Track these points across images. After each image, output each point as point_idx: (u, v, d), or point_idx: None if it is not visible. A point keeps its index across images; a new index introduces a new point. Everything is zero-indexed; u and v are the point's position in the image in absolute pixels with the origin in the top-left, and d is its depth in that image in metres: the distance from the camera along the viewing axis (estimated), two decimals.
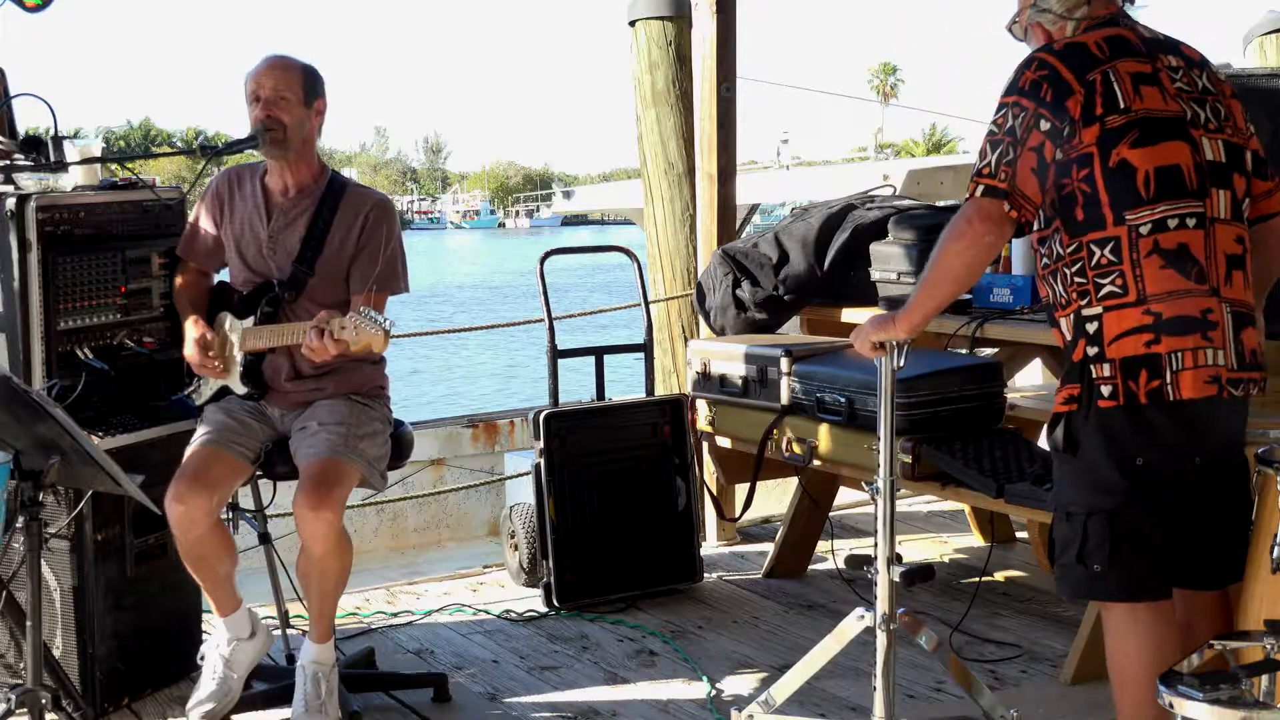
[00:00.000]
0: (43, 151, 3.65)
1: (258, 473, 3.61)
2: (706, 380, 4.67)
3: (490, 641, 4.24)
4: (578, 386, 5.25)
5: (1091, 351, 2.70)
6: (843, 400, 4.08)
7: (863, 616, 3.10)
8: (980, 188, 2.74)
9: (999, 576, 4.73)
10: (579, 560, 4.47)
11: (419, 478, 7.17)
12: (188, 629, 3.88)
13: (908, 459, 3.90)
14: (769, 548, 4.94)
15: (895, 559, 3.03)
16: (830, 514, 4.92)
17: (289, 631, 4.01)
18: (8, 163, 3.61)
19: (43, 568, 3.03)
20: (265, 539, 3.95)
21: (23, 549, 3.03)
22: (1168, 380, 2.63)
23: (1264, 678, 2.30)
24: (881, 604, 3.03)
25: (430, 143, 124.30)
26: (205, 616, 3.95)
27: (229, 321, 3.56)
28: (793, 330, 5.09)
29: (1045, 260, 2.81)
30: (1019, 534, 5.11)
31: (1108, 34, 2.79)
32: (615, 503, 4.54)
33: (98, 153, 3.73)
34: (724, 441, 4.77)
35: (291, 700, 3.60)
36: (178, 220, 3.82)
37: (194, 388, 3.64)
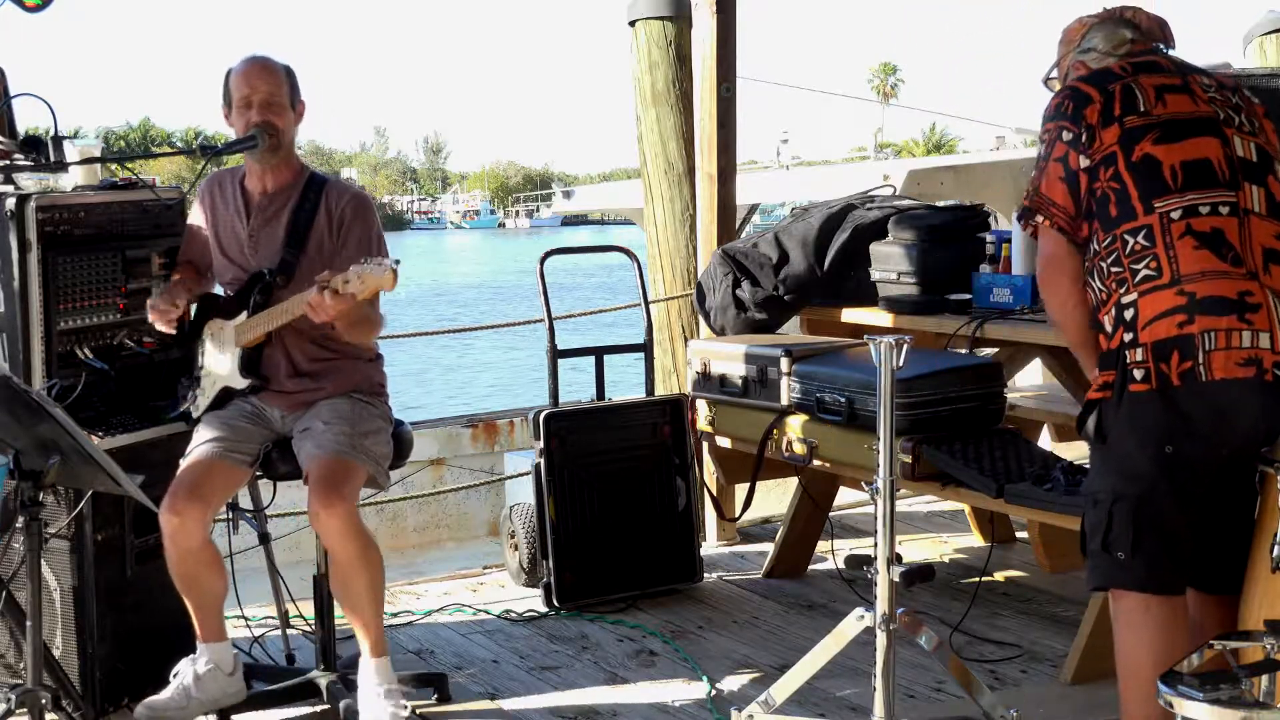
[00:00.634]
0: (43, 151, 3.65)
1: (257, 473, 3.61)
2: (706, 380, 4.67)
3: (490, 641, 4.24)
4: (578, 386, 5.26)
5: (1127, 338, 2.69)
6: (843, 400, 4.08)
7: (863, 616, 3.10)
8: (1022, 217, 2.91)
9: (999, 576, 4.73)
10: (579, 560, 4.47)
11: (419, 478, 7.17)
12: (188, 629, 3.86)
13: (908, 459, 3.90)
14: (769, 548, 4.94)
15: (895, 559, 3.03)
16: (830, 514, 4.92)
17: (289, 631, 4.01)
18: (8, 163, 3.61)
19: (43, 568, 3.03)
20: (265, 539, 3.96)
21: (23, 549, 3.03)
22: (1199, 361, 2.60)
23: (1264, 678, 2.30)
24: (881, 604, 3.03)
25: (430, 143, 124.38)
26: None
27: (221, 324, 3.56)
28: (793, 330, 5.09)
29: (1085, 263, 2.82)
30: (1019, 534, 5.11)
31: (1137, 60, 2.87)
32: (615, 503, 4.54)
33: (98, 153, 3.73)
34: (724, 441, 4.76)
35: (292, 701, 3.61)
36: (178, 220, 3.82)
37: (190, 400, 3.62)
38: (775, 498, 5.37)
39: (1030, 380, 5.74)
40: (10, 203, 3.45)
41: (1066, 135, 2.81)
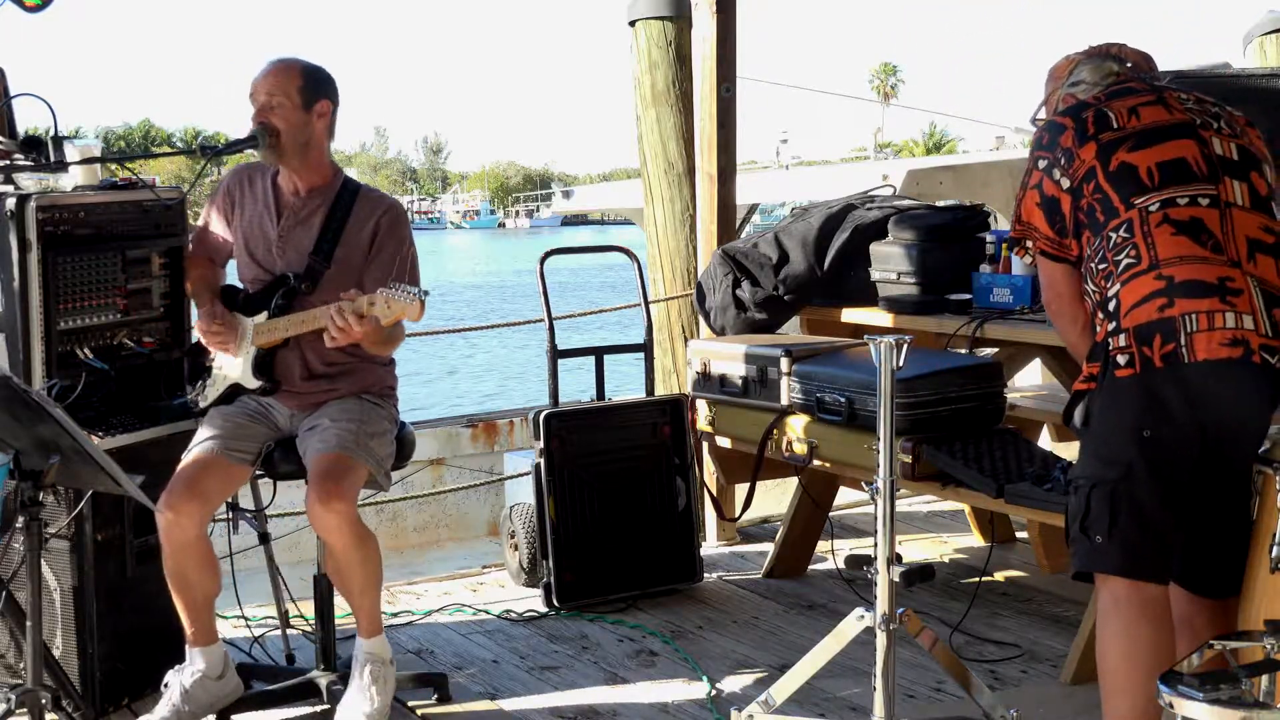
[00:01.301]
0: (43, 151, 3.65)
1: (258, 472, 3.61)
2: (706, 380, 4.67)
3: (490, 641, 4.24)
4: (578, 386, 5.26)
5: (1110, 327, 2.73)
6: (843, 400, 4.08)
7: (863, 616, 3.10)
8: (1012, 247, 3.08)
9: (999, 576, 4.74)
10: (579, 560, 4.47)
11: (419, 478, 7.17)
12: None
13: (908, 459, 3.90)
14: (769, 548, 4.94)
15: (895, 559, 3.03)
16: (830, 514, 4.92)
17: (289, 631, 4.01)
18: (8, 163, 3.61)
19: (43, 568, 3.03)
20: (265, 539, 3.96)
21: (23, 549, 3.03)
22: (1181, 343, 2.62)
23: (1264, 678, 2.30)
24: (881, 604, 3.03)
25: (430, 143, 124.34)
26: None
27: (239, 320, 3.56)
28: (793, 330, 5.09)
29: (1084, 273, 2.88)
30: (1019, 534, 5.11)
31: (1112, 89, 2.94)
32: (615, 503, 4.54)
33: (98, 153, 3.73)
34: (724, 441, 4.76)
35: (292, 701, 3.61)
36: (178, 220, 3.81)
37: (197, 391, 3.63)
38: (775, 498, 5.37)
39: (1030, 380, 5.74)
40: (10, 203, 3.45)
41: (1042, 163, 2.91)
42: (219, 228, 3.67)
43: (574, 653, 4.12)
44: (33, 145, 3.66)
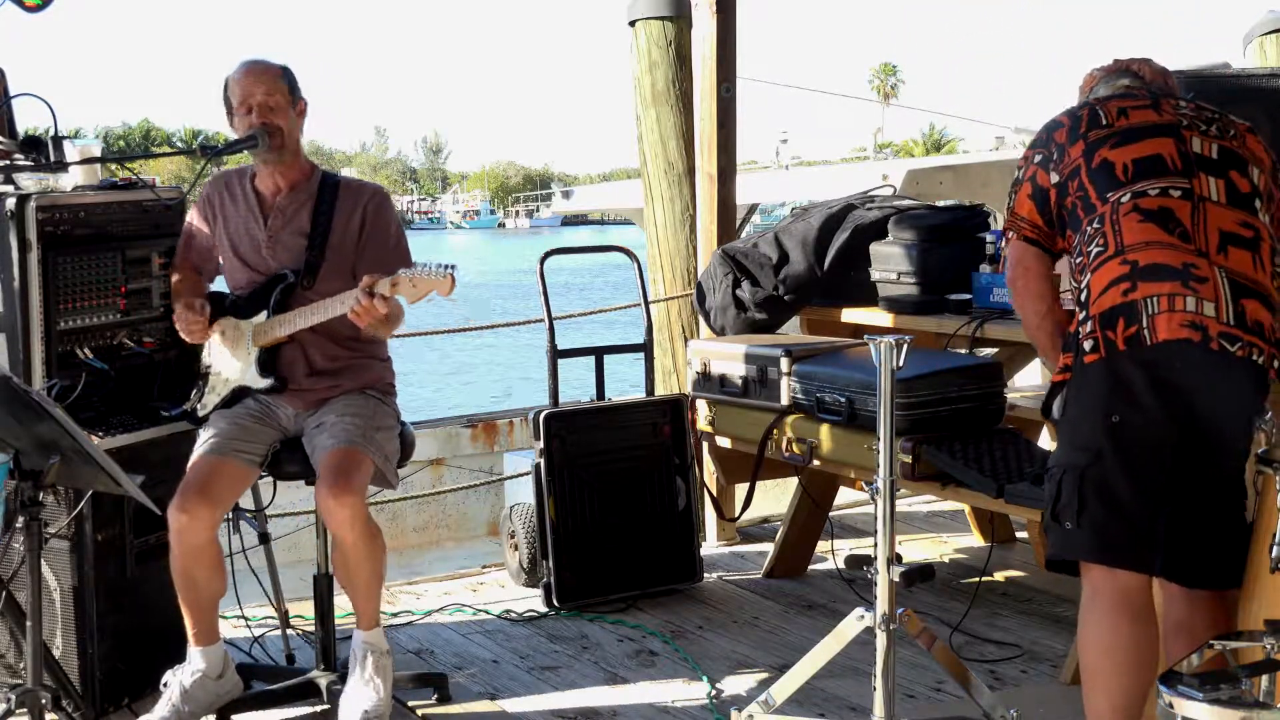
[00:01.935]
0: (43, 151, 3.65)
1: (263, 473, 3.61)
2: (706, 380, 4.67)
3: (490, 641, 4.24)
4: (578, 386, 5.25)
5: (1081, 315, 2.78)
6: (843, 400, 4.08)
7: (863, 616, 3.10)
8: (999, 241, 3.08)
9: (999, 576, 4.74)
10: (579, 560, 4.47)
11: (418, 478, 7.18)
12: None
13: (908, 459, 3.90)
14: (769, 548, 4.94)
15: (895, 559, 3.03)
16: (830, 514, 4.92)
17: (289, 632, 4.01)
18: (8, 163, 3.61)
19: (43, 568, 3.03)
20: (265, 539, 3.96)
21: (23, 549, 3.03)
22: (1144, 325, 2.66)
23: (1264, 678, 2.30)
24: (881, 604, 3.03)
25: (430, 143, 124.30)
26: None
27: (234, 324, 3.56)
28: (793, 330, 5.09)
29: (1071, 271, 2.93)
30: (1019, 534, 5.11)
31: (1113, 95, 3.04)
32: (615, 503, 4.54)
33: (98, 153, 3.73)
34: (724, 441, 4.77)
35: (292, 701, 3.61)
36: (178, 220, 3.81)
37: (194, 399, 3.62)
38: (775, 498, 5.37)
39: (1030, 380, 5.74)
40: (10, 203, 3.45)
41: (1037, 158, 3.00)
42: (203, 238, 3.67)
43: (574, 653, 4.12)
44: (33, 145, 3.67)
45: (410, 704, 3.66)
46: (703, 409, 4.73)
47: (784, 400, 4.35)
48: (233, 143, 3.55)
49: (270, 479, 3.70)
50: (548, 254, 4.80)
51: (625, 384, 7.35)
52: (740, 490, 4.85)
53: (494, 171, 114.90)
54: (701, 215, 5.39)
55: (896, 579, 3.02)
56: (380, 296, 3.25)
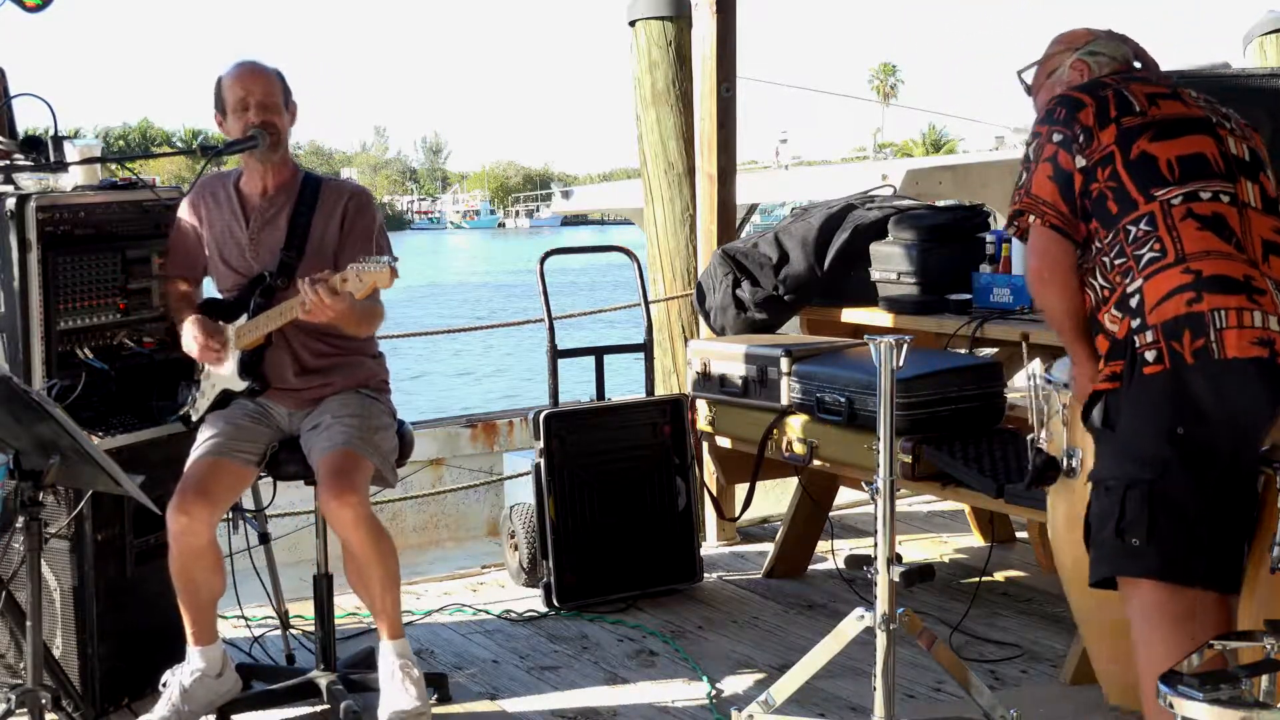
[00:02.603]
0: (43, 151, 3.65)
1: (262, 474, 3.61)
2: (706, 380, 4.67)
3: (490, 641, 4.24)
4: (578, 386, 5.25)
5: (1134, 323, 2.67)
6: (843, 400, 4.08)
7: (863, 616, 3.10)
8: (1011, 221, 2.88)
9: (999, 576, 4.73)
10: (579, 560, 4.47)
11: (418, 477, 7.17)
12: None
13: (908, 459, 3.90)
14: (769, 548, 4.94)
15: (895, 559, 3.03)
16: (830, 514, 4.92)
17: (289, 632, 4.01)
18: (8, 163, 3.61)
19: (43, 568, 3.03)
20: (265, 539, 3.96)
21: (23, 549, 3.03)
22: (1212, 339, 2.58)
23: (1264, 678, 2.30)
24: (881, 604, 3.03)
25: (430, 143, 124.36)
26: None
27: (221, 327, 3.55)
28: (793, 330, 5.09)
29: (1084, 263, 2.82)
30: (1019, 534, 5.11)
31: (1129, 75, 2.93)
32: (615, 503, 4.54)
33: (98, 153, 3.73)
34: (724, 441, 4.77)
35: (292, 701, 3.60)
36: None
37: (189, 403, 3.62)
38: (775, 498, 5.37)
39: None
40: (10, 203, 3.45)
41: (1057, 137, 2.82)
42: (191, 243, 3.66)
43: (574, 653, 4.12)
44: (33, 145, 3.67)
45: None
46: (703, 409, 4.73)
47: (784, 400, 4.35)
48: (233, 143, 3.55)
49: (270, 479, 3.70)
50: (548, 254, 4.80)
51: (626, 383, 7.34)
52: (740, 490, 4.85)
53: (494, 171, 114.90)
54: (701, 215, 5.39)
55: (896, 579, 3.02)
56: (330, 290, 3.22)
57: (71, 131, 4.79)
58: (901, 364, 3.01)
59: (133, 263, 3.71)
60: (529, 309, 7.27)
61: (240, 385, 3.53)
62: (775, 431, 4.39)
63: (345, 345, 3.60)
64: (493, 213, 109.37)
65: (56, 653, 3.50)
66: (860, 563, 3.12)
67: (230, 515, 3.76)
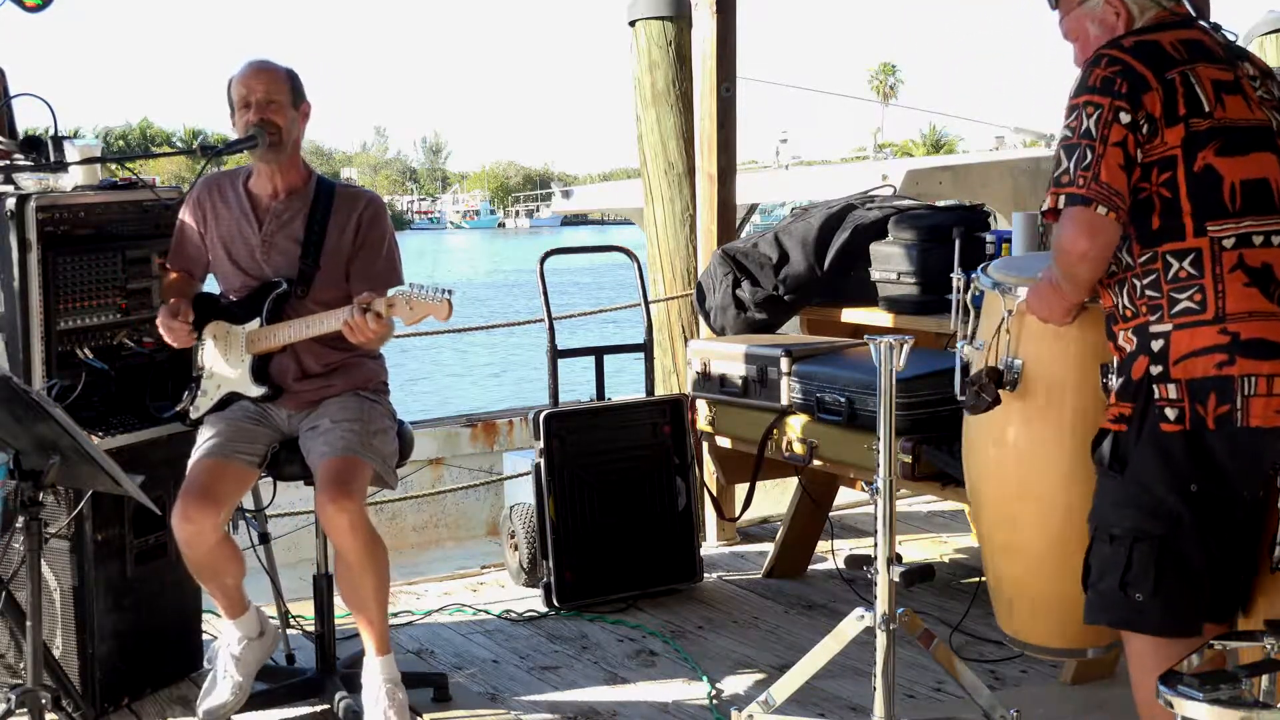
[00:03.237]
0: (43, 151, 3.65)
1: (263, 474, 3.60)
2: (706, 380, 4.67)
3: (490, 641, 4.24)
4: (578, 386, 5.26)
5: (1155, 370, 2.54)
6: (843, 400, 4.08)
7: (863, 616, 3.10)
8: (1062, 197, 2.55)
9: None
10: (579, 560, 4.47)
11: (418, 477, 7.17)
12: (188, 629, 3.88)
13: (908, 459, 3.89)
14: (769, 548, 4.94)
15: (895, 559, 3.03)
16: (830, 514, 4.92)
17: (289, 631, 4.01)
18: (8, 163, 3.61)
19: (43, 568, 3.03)
20: (265, 539, 3.96)
21: (23, 549, 3.03)
22: (1237, 405, 2.47)
23: (1264, 678, 2.30)
24: (881, 604, 3.03)
25: (430, 143, 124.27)
26: (205, 616, 3.96)
27: (226, 328, 3.55)
28: (793, 330, 5.09)
29: (1112, 268, 2.63)
30: None
31: (1183, 36, 2.62)
32: (615, 503, 4.54)
33: (98, 153, 3.73)
34: (724, 441, 4.76)
35: (292, 701, 3.61)
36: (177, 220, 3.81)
37: (187, 401, 3.61)
38: (775, 498, 5.37)
39: None
40: (10, 203, 3.45)
41: (1125, 118, 2.52)
42: (192, 238, 3.64)
43: (574, 653, 4.12)
44: (33, 145, 3.67)
45: (410, 704, 3.66)
46: (703, 409, 4.73)
47: (784, 400, 4.35)
48: (233, 143, 3.54)
49: (270, 479, 3.70)
50: (548, 254, 4.80)
51: (626, 383, 7.34)
52: (740, 490, 4.85)
53: (494, 171, 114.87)
54: (701, 215, 5.39)
55: (896, 579, 3.02)
56: (375, 315, 3.23)
57: (71, 131, 4.80)
58: (901, 364, 3.01)
59: (133, 263, 3.72)
60: (529, 309, 7.27)
61: (255, 391, 3.51)
62: (775, 431, 4.39)
63: (347, 349, 3.58)
64: (493, 213, 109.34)
65: (56, 653, 3.50)
66: (860, 563, 3.12)
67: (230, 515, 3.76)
